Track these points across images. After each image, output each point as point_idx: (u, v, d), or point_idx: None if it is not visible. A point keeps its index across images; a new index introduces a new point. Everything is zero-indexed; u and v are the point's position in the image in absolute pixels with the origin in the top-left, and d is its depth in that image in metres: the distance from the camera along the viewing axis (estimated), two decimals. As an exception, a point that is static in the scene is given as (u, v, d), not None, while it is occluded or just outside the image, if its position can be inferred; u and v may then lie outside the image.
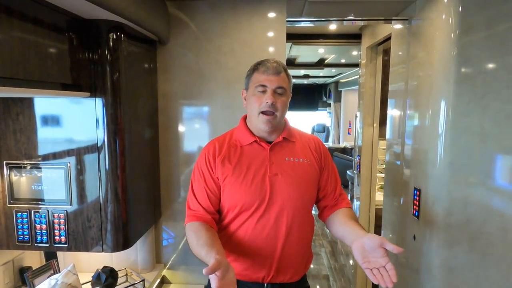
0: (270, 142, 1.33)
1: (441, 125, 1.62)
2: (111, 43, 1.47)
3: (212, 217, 1.29)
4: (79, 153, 1.50)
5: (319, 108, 9.91)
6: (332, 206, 1.39)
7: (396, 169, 2.12)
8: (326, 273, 3.49)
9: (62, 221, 1.51)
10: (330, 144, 8.78)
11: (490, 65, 1.54)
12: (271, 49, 1.97)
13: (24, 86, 1.15)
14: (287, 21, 1.98)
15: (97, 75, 1.46)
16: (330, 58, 4.87)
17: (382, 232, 2.41)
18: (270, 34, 1.96)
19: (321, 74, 7.09)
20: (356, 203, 3.17)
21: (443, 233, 1.64)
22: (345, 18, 2.08)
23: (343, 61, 5.04)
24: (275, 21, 1.94)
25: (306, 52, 4.29)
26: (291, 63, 5.25)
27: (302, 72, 6.49)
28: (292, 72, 5.41)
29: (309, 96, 9.75)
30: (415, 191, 1.80)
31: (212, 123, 2.03)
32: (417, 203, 1.78)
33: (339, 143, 8.56)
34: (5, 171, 1.50)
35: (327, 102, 9.41)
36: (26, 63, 1.15)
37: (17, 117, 1.50)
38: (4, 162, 1.50)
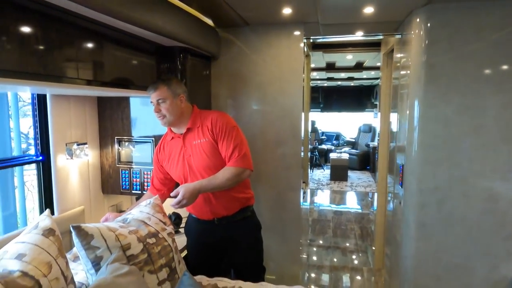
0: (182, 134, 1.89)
1: (415, 116, 2.15)
2: (181, 60, 2.26)
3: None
4: (155, 136, 2.30)
5: (366, 109, 10.16)
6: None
7: (392, 153, 2.65)
8: (353, 250, 4.03)
9: (148, 176, 2.32)
10: (375, 143, 9.04)
11: (451, 69, 2.05)
12: (292, 60, 2.63)
13: (132, 88, 1.96)
14: (307, 38, 2.63)
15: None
16: (366, 62, 5.33)
17: (393, 202, 2.92)
18: (291, 49, 2.62)
19: (364, 76, 7.47)
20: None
21: (416, 197, 2.17)
22: (349, 35, 2.66)
23: (378, 64, 5.47)
24: (295, 39, 2.60)
25: (340, 58, 4.84)
26: (331, 67, 5.80)
27: (342, 75, 6.95)
28: (333, 75, 5.95)
29: (357, 97, 10.03)
30: (400, 167, 2.34)
31: (249, 115, 2.74)
32: (401, 175, 2.32)
33: (385, 143, 8.79)
34: (116, 144, 2.37)
35: (374, 103, 9.66)
36: (132, 73, 1.96)
37: (124, 109, 2.34)
38: (116, 137, 2.36)
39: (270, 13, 2.33)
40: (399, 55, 2.60)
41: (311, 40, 2.88)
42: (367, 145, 9.08)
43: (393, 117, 2.79)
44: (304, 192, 3.18)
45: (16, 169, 3.35)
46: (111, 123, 2.36)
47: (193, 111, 1.92)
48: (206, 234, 1.97)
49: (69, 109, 2.11)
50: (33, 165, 2.21)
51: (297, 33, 2.59)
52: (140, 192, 2.35)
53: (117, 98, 2.33)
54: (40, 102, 2.00)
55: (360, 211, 5.73)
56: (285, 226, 2.75)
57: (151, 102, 1.84)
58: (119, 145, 2.36)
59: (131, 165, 2.36)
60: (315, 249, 4.17)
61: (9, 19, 1.21)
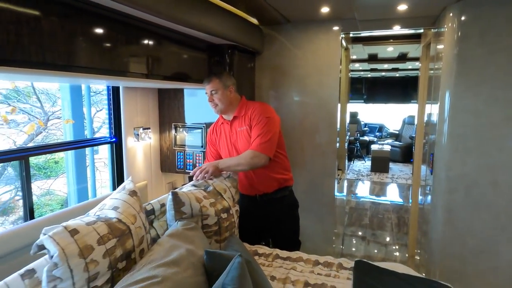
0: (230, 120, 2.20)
1: (446, 107, 2.28)
2: (229, 56, 2.56)
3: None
4: (206, 123, 2.64)
5: (412, 101, 9.90)
6: None
7: (426, 143, 2.77)
8: (388, 237, 4.16)
9: (200, 158, 2.68)
10: (420, 136, 8.84)
11: (482, 62, 2.14)
12: (329, 54, 2.82)
13: (187, 81, 2.30)
14: (345, 33, 2.81)
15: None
16: (410, 53, 5.31)
17: (425, 190, 3.04)
18: (329, 43, 2.81)
19: (409, 67, 7.34)
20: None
21: (445, 183, 2.31)
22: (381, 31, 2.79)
23: (423, 55, 5.40)
24: (333, 34, 2.79)
25: (381, 50, 4.88)
26: (373, 58, 5.83)
27: (386, 66, 6.90)
28: (376, 66, 5.98)
29: (402, 88, 9.79)
30: (431, 155, 2.47)
31: (289, 105, 2.99)
32: (431, 163, 2.45)
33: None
34: (173, 129, 2.74)
35: (421, 94, 9.38)
36: (188, 68, 2.29)
37: (180, 99, 2.71)
38: (173, 124, 2.73)
39: (309, 12, 2.54)
40: (434, 48, 2.70)
41: (350, 34, 3.05)
42: (411, 137, 8.89)
43: (428, 108, 2.89)
44: (340, 179, 3.37)
45: (88, 150, 3.91)
46: (169, 111, 2.73)
47: (241, 101, 2.21)
48: (250, 208, 2.27)
49: (136, 99, 2.51)
50: (99, 149, 2.65)
51: (335, 28, 2.78)
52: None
53: (174, 90, 2.70)
54: (113, 93, 2.40)
55: (399, 203, 5.77)
56: (320, 208, 2.99)
57: (206, 93, 2.16)
58: (175, 130, 2.74)
59: (184, 148, 2.72)
60: (349, 234, 4.36)
61: (86, 24, 1.49)
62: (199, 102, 2.65)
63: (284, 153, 2.28)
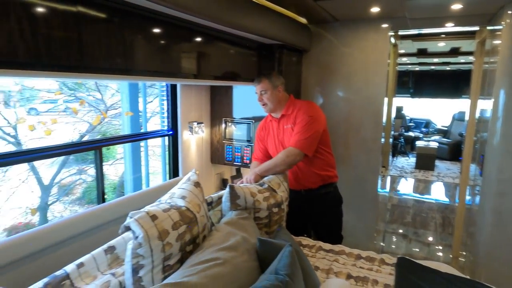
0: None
1: (500, 106, 2.23)
2: (278, 55, 2.67)
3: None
4: (254, 117, 2.77)
5: (463, 96, 9.39)
6: None
7: (476, 142, 2.71)
8: (431, 237, 4.09)
9: (247, 151, 2.83)
10: (471, 133, 8.40)
11: (542, 63, 2.07)
12: (377, 52, 2.83)
13: (238, 80, 2.44)
14: (395, 31, 2.80)
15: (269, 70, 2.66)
16: (462, 47, 5.08)
17: (473, 191, 2.98)
18: (378, 41, 2.82)
19: (462, 61, 6.98)
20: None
21: (495, 186, 2.27)
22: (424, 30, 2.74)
23: (477, 49, 5.14)
24: (382, 33, 2.80)
25: (431, 45, 4.72)
26: (423, 52, 5.64)
27: (436, 60, 6.62)
28: (425, 60, 5.80)
29: (454, 83, 9.30)
30: (481, 156, 2.43)
31: (334, 102, 3.05)
32: (481, 164, 2.41)
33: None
34: (223, 124, 2.92)
35: (473, 89, 8.87)
36: (239, 67, 2.43)
37: (230, 96, 2.87)
38: (223, 118, 2.91)
39: (358, 12, 2.58)
40: (490, 44, 2.61)
41: (399, 32, 3.02)
42: (461, 135, 8.49)
43: (481, 103, 2.81)
44: (383, 176, 3.39)
45: (143, 142, 4.21)
46: (220, 106, 2.91)
47: (289, 100, 2.31)
48: (295, 201, 2.39)
49: (191, 96, 2.70)
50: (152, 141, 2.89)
51: (384, 26, 2.78)
52: (240, 164, 2.88)
53: (225, 87, 2.86)
54: (171, 90, 2.61)
55: (445, 202, 5.59)
56: (362, 204, 3.04)
57: (256, 92, 2.29)
58: (225, 125, 2.91)
59: (233, 141, 2.89)
60: (390, 231, 4.34)
61: (142, 28, 1.57)
62: (248, 98, 2.79)
63: (329, 150, 2.35)
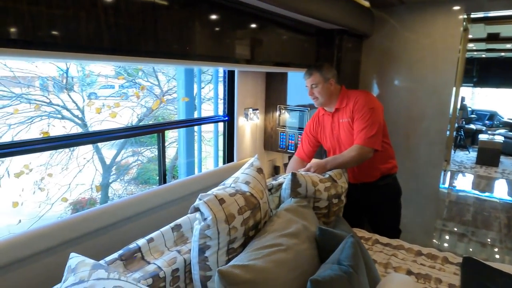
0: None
1: None
2: (338, 41, 2.57)
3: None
4: (310, 105, 2.72)
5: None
6: None
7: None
8: (494, 239, 3.81)
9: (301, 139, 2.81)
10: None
11: None
12: (447, 36, 2.63)
13: (291, 66, 2.38)
14: (467, 14, 2.57)
15: (327, 57, 2.58)
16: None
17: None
18: (448, 25, 2.61)
19: (539, 47, 6.29)
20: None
21: None
22: None
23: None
24: (453, 15, 2.58)
25: (506, 28, 4.29)
26: (494, 37, 5.16)
27: (508, 45, 6.02)
28: (496, 46, 5.33)
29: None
30: None
31: (394, 91, 2.89)
32: None
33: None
34: (277, 111, 2.91)
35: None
36: (297, 53, 2.38)
37: (285, 82, 2.84)
38: (277, 105, 2.89)
39: (429, -8, 2.39)
40: None
41: (472, 15, 2.78)
42: (532, 129, 7.72)
43: None
44: (445, 170, 3.19)
45: (196, 127, 4.34)
46: (275, 93, 2.90)
47: (341, 92, 2.20)
48: (351, 192, 2.34)
49: (247, 82, 2.71)
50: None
51: (456, 8, 2.57)
52: (293, 151, 2.87)
53: (280, 73, 2.84)
54: (229, 76, 2.64)
55: (511, 202, 5.16)
56: (421, 199, 2.90)
57: (306, 86, 2.20)
58: (280, 112, 2.90)
59: (287, 129, 2.88)
60: (447, 229, 4.10)
61: (200, 12, 1.54)
62: (303, 85, 2.74)
63: (388, 141, 2.26)
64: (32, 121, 4.52)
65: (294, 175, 1.77)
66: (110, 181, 5.26)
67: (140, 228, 1.83)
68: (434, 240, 3.03)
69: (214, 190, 1.37)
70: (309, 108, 2.74)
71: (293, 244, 1.35)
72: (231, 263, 1.17)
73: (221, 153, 4.16)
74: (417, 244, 2.05)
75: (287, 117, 2.87)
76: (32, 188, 4.48)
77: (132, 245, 1.36)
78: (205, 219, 1.24)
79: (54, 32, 1.01)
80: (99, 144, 4.99)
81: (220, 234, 1.25)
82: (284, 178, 2.01)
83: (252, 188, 1.46)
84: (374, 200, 2.29)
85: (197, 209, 1.25)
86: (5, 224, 4.23)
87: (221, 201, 1.27)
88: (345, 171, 2.10)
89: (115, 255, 1.31)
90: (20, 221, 3.99)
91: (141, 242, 1.38)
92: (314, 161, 2.14)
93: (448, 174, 4.42)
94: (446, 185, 4.87)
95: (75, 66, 4.13)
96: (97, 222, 1.65)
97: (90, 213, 1.65)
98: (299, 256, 1.33)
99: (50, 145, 1.70)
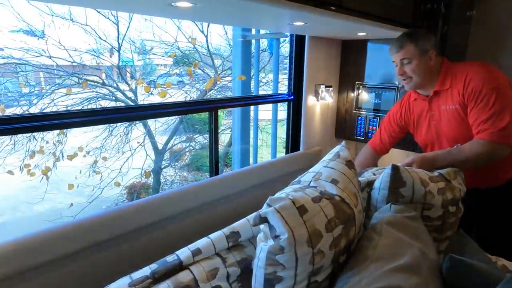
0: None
1: None
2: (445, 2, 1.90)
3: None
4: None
5: None
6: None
7: None
8: None
9: (386, 126, 2.21)
10: None
11: None
12: None
13: (386, 23, 1.73)
14: None
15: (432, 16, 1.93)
16: None
17: None
18: None
19: None
20: None
21: None
22: None
23: None
24: None
25: None
26: None
27: None
28: None
29: None
30: None
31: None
32: None
33: None
34: (355, 90, 2.33)
35: None
36: (387, 6, 1.75)
37: (367, 55, 2.24)
38: (356, 83, 2.32)
39: None
40: None
41: None
42: None
43: None
44: None
45: (252, 111, 3.90)
46: (354, 67, 2.32)
47: (443, 67, 1.55)
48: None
49: (320, 52, 2.18)
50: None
51: None
52: (375, 140, 2.28)
53: (361, 43, 2.25)
54: (297, 43, 2.13)
55: None
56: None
57: (393, 61, 1.59)
58: (358, 91, 2.32)
59: (367, 112, 2.30)
60: None
61: None
62: (389, 58, 2.14)
63: None
64: (89, 102, 4.45)
65: (396, 169, 1.21)
66: (162, 166, 5.12)
67: (181, 230, 1.45)
68: None
69: (289, 191, 0.89)
70: (397, 87, 2.14)
71: (415, 286, 0.83)
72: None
73: (279, 142, 3.71)
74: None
75: (369, 98, 2.28)
76: (87, 172, 4.44)
77: (171, 258, 0.96)
78: (276, 237, 0.76)
79: None
80: (152, 128, 4.85)
81: (299, 262, 0.77)
82: (375, 174, 1.47)
83: (342, 190, 0.95)
84: (495, 210, 1.66)
85: (264, 219, 0.78)
86: (58, 207, 4.21)
87: (302, 209, 0.79)
88: (461, 169, 1.49)
89: (145, 270, 0.92)
90: (72, 204, 3.93)
91: (183, 254, 0.97)
92: (420, 155, 1.55)
93: None
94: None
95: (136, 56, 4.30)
96: (126, 224, 1.29)
97: (141, 203, 1.35)
98: (426, 306, 0.81)
99: (101, 118, 1.44)
